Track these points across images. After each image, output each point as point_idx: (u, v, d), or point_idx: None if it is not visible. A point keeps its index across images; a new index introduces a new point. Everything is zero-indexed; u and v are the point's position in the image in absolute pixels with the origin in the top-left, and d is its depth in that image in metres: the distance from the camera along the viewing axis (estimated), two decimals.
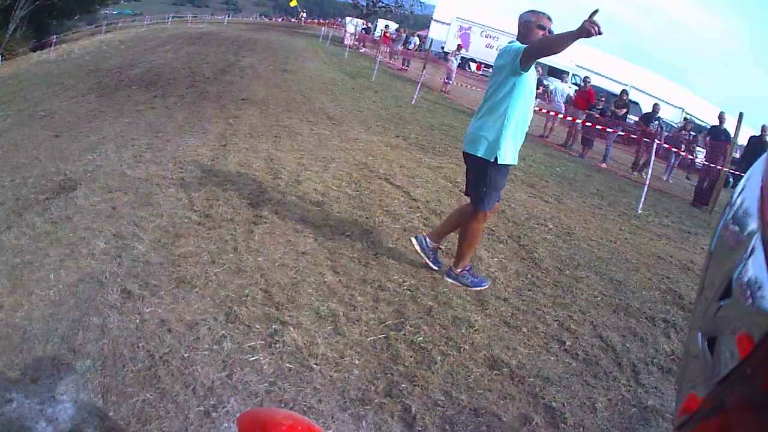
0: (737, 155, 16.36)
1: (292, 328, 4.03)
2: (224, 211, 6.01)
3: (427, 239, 5.40)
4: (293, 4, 63.68)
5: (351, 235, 5.89)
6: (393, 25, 50.72)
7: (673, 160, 18.02)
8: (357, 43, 41.18)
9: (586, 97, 18.21)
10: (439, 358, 3.99)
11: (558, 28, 4.72)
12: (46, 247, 4.98)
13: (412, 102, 18.33)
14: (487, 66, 45.96)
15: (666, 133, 18.25)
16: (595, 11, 3.96)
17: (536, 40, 4.51)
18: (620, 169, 16.46)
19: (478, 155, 4.70)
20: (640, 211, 10.24)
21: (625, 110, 17.90)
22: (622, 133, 17.00)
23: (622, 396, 3.96)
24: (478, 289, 5.15)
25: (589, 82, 19.02)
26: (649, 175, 12.17)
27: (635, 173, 16.38)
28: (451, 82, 25.70)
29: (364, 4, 64.52)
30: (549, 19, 4.66)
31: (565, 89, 19.79)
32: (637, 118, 23.26)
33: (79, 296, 4.17)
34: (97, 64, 21.36)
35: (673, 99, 43.96)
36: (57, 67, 23.35)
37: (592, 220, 8.52)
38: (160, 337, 3.77)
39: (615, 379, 4.15)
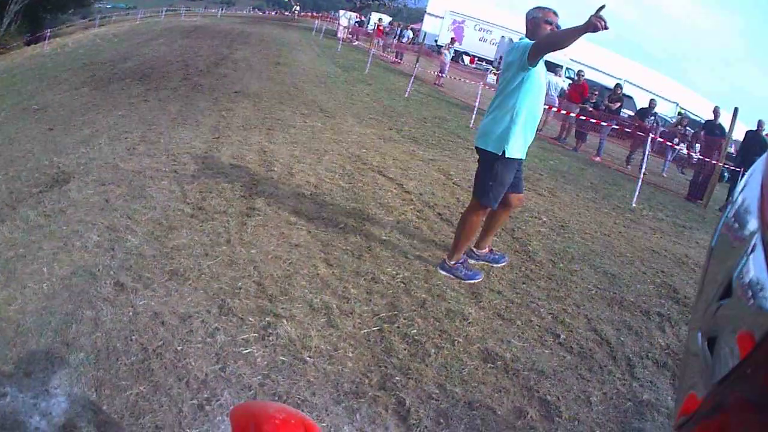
0: (732, 150, 16.39)
1: (285, 321, 4.03)
2: (217, 203, 6.00)
3: (474, 250, 5.54)
4: None
5: (344, 227, 5.88)
6: (386, 19, 50.60)
7: (669, 155, 18.05)
8: (350, 36, 41.10)
9: (580, 90, 18.20)
10: (433, 350, 3.99)
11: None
12: (39, 240, 4.96)
13: (405, 95, 18.30)
14: (481, 59, 46.01)
15: (662, 129, 18.25)
16: (602, 7, 4.00)
17: (543, 36, 4.56)
18: (614, 163, 16.47)
19: (488, 149, 4.79)
20: (634, 205, 10.24)
21: (618, 104, 17.90)
22: (617, 127, 17.02)
23: (617, 390, 3.97)
24: (472, 282, 5.16)
25: (582, 75, 19.01)
26: (643, 169, 12.18)
27: (629, 167, 16.42)
28: (444, 75, 25.69)
29: None
30: (555, 14, 4.72)
31: (558, 83, 19.72)
32: (631, 113, 23.28)
33: (73, 289, 4.16)
34: (91, 58, 21.30)
35: (667, 93, 44.09)
36: (51, 61, 23.28)
37: (586, 214, 8.52)
38: (153, 330, 3.76)
39: (610, 372, 4.15)
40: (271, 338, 3.83)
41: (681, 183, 16.50)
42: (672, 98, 44.71)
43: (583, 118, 16.43)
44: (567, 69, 32.73)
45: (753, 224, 0.71)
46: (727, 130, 13.88)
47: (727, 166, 13.77)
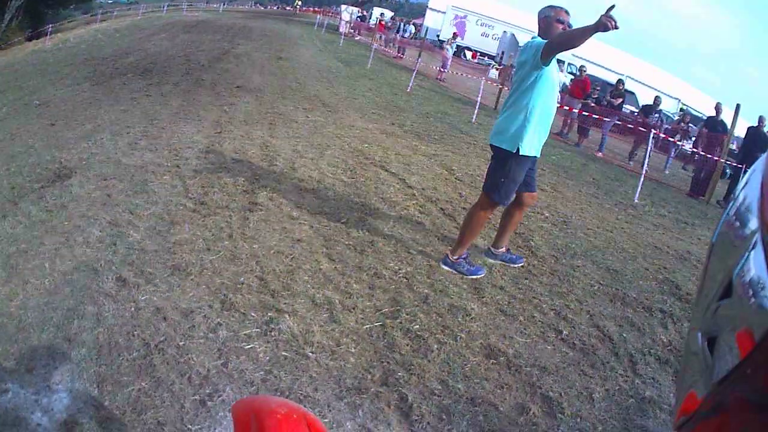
0: (734, 147, 16.35)
1: (287, 316, 4.02)
2: (219, 198, 5.99)
3: (492, 249, 5.60)
4: None
5: (346, 222, 5.88)
6: (388, 13, 50.59)
7: (672, 153, 18.03)
8: (352, 31, 41.06)
9: (582, 86, 18.18)
10: (435, 346, 3.99)
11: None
12: (41, 236, 4.96)
13: (408, 90, 18.28)
14: (483, 54, 45.97)
15: (666, 126, 18.22)
16: (612, 6, 4.04)
17: (556, 35, 4.61)
18: (616, 159, 16.46)
19: (502, 147, 4.84)
20: (636, 201, 10.23)
21: (620, 100, 17.89)
22: (619, 123, 17.01)
23: (619, 386, 3.96)
24: (474, 277, 5.16)
25: (584, 71, 18.99)
26: (645, 165, 12.16)
27: (631, 162, 16.40)
28: (446, 70, 25.67)
29: None
30: (567, 12, 4.78)
31: (561, 78, 19.72)
32: (633, 108, 23.22)
33: (75, 285, 4.16)
34: (93, 53, 21.26)
35: (669, 89, 44.03)
36: (52, 56, 23.25)
37: (588, 209, 8.51)
38: (155, 326, 3.76)
39: (612, 369, 4.14)
40: (273, 333, 3.82)
41: (683, 179, 16.48)
42: (674, 94, 44.64)
43: (586, 113, 16.40)
44: (569, 64, 32.75)
45: (753, 223, 0.71)
46: (729, 127, 13.86)
47: (729, 162, 13.74)
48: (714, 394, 0.66)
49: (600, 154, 16.00)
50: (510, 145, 4.79)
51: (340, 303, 4.33)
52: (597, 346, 4.41)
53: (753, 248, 0.67)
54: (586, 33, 4.24)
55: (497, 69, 33.04)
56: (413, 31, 43.68)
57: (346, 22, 41.88)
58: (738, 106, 13.08)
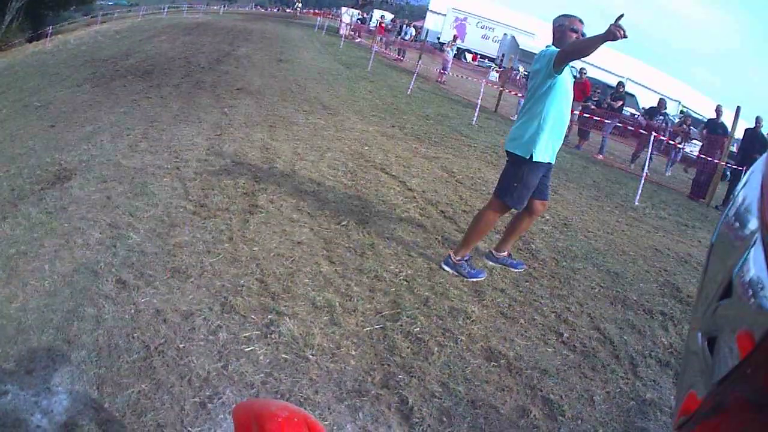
0: (734, 149, 16.35)
1: (287, 319, 4.02)
2: (219, 200, 5.99)
3: (494, 253, 5.62)
4: None
5: (347, 224, 5.87)
6: (389, 16, 50.61)
7: (674, 155, 18.01)
8: (353, 33, 41.08)
9: (582, 88, 18.17)
10: (436, 349, 3.98)
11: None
12: (41, 238, 4.95)
13: (408, 92, 18.29)
14: (483, 57, 46.04)
15: (669, 130, 18.19)
16: (621, 15, 4.16)
17: (568, 44, 4.73)
18: (617, 161, 16.48)
19: (516, 153, 4.91)
20: (637, 203, 10.25)
21: (621, 102, 17.90)
22: (620, 125, 17.01)
23: (620, 389, 3.96)
24: (475, 280, 5.16)
25: (585, 73, 19.00)
26: (646, 168, 12.16)
27: (632, 165, 16.41)
28: (446, 72, 25.69)
29: None
30: (581, 22, 4.90)
31: None
32: (633, 111, 23.21)
33: (74, 287, 4.15)
34: (93, 55, 21.28)
35: (670, 92, 44.05)
36: (53, 58, 23.27)
37: (588, 212, 8.51)
38: (155, 328, 3.75)
39: (613, 371, 4.14)
40: (273, 336, 3.82)
41: (683, 181, 16.48)
42: (674, 96, 44.65)
43: (586, 116, 16.41)
44: (570, 67, 32.82)
45: (753, 223, 0.71)
46: (729, 129, 13.86)
47: (729, 164, 13.74)
48: (714, 394, 0.67)
49: (600, 157, 16.02)
50: (524, 151, 4.86)
51: (340, 305, 4.33)
52: (598, 348, 4.41)
53: (753, 248, 0.67)
54: (596, 42, 4.35)
55: (497, 71, 33.11)
56: (414, 33, 43.76)
57: (347, 24, 41.90)
58: (738, 109, 13.10)
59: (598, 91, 18.78)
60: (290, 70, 18.01)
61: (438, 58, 30.54)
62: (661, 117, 17.83)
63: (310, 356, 3.67)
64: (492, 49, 46.45)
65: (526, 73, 24.47)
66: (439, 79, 25.35)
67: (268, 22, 41.82)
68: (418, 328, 4.18)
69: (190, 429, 2.99)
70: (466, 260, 5.25)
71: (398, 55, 32.54)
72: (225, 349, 3.63)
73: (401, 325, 4.19)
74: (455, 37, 31.30)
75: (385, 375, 3.64)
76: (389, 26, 39.71)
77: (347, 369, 3.63)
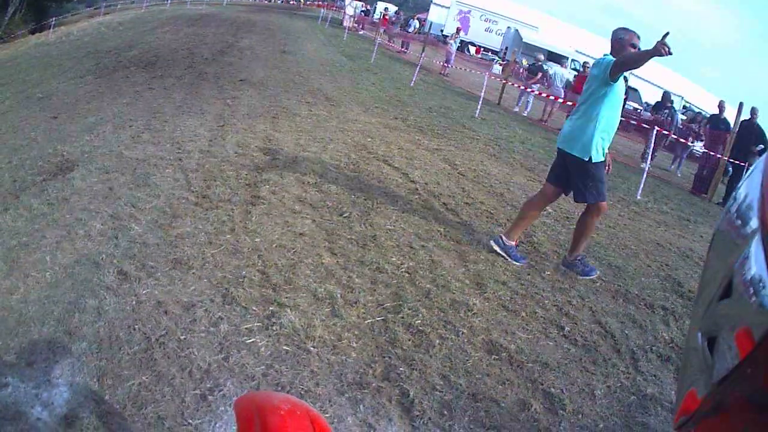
0: None
1: (289, 310, 4.02)
2: (221, 191, 5.99)
3: (503, 238, 5.73)
4: None
5: (349, 216, 5.87)
6: (392, 8, 50.50)
7: (680, 152, 17.78)
8: (356, 25, 40.97)
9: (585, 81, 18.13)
10: (437, 341, 3.98)
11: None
12: (42, 229, 4.96)
13: (411, 84, 18.25)
14: (486, 50, 45.95)
15: (678, 126, 18.02)
16: (667, 33, 4.58)
17: (621, 55, 5.11)
18: (619, 155, 16.45)
19: (573, 153, 5.29)
20: (639, 198, 10.23)
21: (624, 97, 17.79)
22: (623, 119, 16.98)
23: (621, 383, 3.95)
24: (589, 277, 5.51)
25: (588, 67, 18.94)
26: (648, 162, 12.15)
27: (644, 164, 16.35)
28: (450, 65, 25.63)
29: None
30: (638, 37, 5.27)
31: (564, 74, 19.63)
32: (636, 105, 23.14)
33: (76, 278, 4.15)
34: (96, 46, 21.29)
35: (672, 87, 43.94)
36: (56, 49, 23.29)
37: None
38: (156, 320, 3.75)
39: (614, 365, 4.14)
40: (274, 328, 3.81)
41: (686, 176, 16.43)
42: (677, 91, 44.55)
43: None
44: (573, 60, 32.71)
45: (754, 222, 0.70)
46: (732, 125, 13.82)
47: (731, 160, 13.71)
48: (714, 393, 0.66)
49: None
50: (582, 152, 5.22)
51: (342, 297, 4.32)
52: (599, 342, 4.40)
53: (753, 246, 0.66)
54: (645, 57, 4.79)
55: (501, 64, 33.00)
56: (417, 25, 43.64)
57: (350, 16, 41.81)
58: (741, 105, 13.06)
59: None
60: (293, 61, 17.97)
61: (441, 50, 30.48)
62: (666, 111, 17.73)
63: (311, 348, 3.67)
64: (495, 42, 46.28)
65: (528, 66, 24.37)
66: (443, 72, 25.28)
67: (272, 14, 41.74)
68: (419, 321, 4.18)
69: (190, 421, 2.99)
70: (579, 260, 5.55)
71: (402, 47, 32.46)
72: (226, 340, 3.63)
73: (402, 318, 4.19)
74: (459, 30, 31.13)
75: (386, 367, 3.64)
76: (393, 18, 39.60)
77: (348, 361, 3.63)
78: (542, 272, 5.48)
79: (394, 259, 5.12)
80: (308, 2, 63.84)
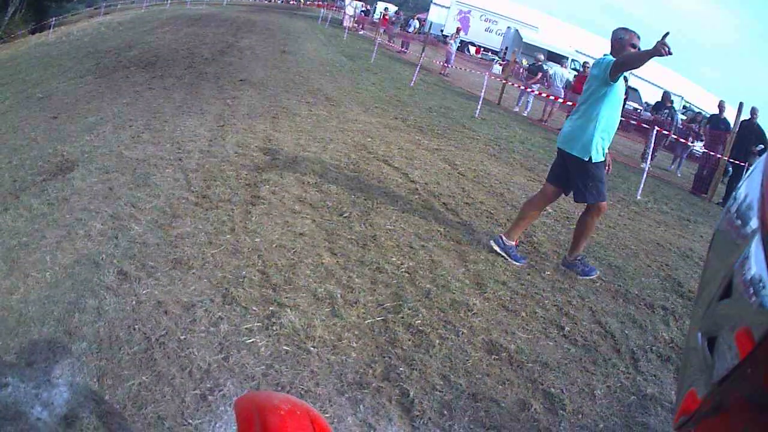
0: None
1: (289, 310, 4.02)
2: (221, 191, 5.99)
3: (503, 238, 5.73)
4: None
5: (349, 216, 5.87)
6: (392, 8, 50.49)
7: (680, 152, 17.75)
8: (356, 25, 40.96)
9: (584, 81, 18.10)
10: (437, 341, 3.98)
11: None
12: (42, 229, 4.96)
13: (411, 84, 18.24)
14: (486, 50, 45.96)
15: (679, 126, 18.00)
16: (666, 33, 4.57)
17: (621, 55, 5.11)
18: (618, 155, 16.45)
19: (573, 153, 5.29)
20: (639, 198, 10.23)
21: (624, 97, 17.77)
22: (623, 119, 16.99)
23: (621, 383, 3.95)
24: (588, 278, 5.50)
25: (588, 67, 18.93)
26: (648, 162, 12.15)
27: (644, 164, 16.35)
28: (450, 65, 25.63)
29: None
30: (638, 38, 5.26)
31: (564, 74, 19.64)
32: (636, 105, 23.13)
33: (76, 278, 4.16)
34: (96, 46, 21.28)
35: (672, 86, 43.94)
36: (56, 49, 23.27)
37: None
38: (156, 319, 3.75)
39: (614, 366, 4.14)
40: (274, 328, 3.82)
41: (686, 176, 16.43)
42: (677, 91, 44.53)
43: None
44: (573, 60, 32.70)
45: (754, 222, 0.71)
46: (732, 125, 13.81)
47: (731, 160, 13.71)
48: (714, 393, 0.66)
49: None
50: (582, 152, 5.22)
51: (341, 297, 4.32)
52: (599, 342, 4.40)
53: (753, 247, 0.66)
54: (645, 57, 4.78)
55: (501, 64, 33.02)
56: (417, 25, 43.64)
57: (350, 16, 41.80)
58: (741, 104, 13.06)
59: None
60: (293, 61, 17.96)
61: (441, 50, 30.49)
62: (666, 110, 17.72)
63: (311, 348, 3.67)
64: (495, 42, 46.29)
65: (528, 66, 24.38)
66: (443, 72, 25.28)
67: (272, 14, 41.71)
68: (419, 321, 4.18)
69: (190, 421, 2.99)
70: (579, 260, 5.57)
71: (402, 47, 32.45)
72: (226, 340, 3.63)
73: (402, 318, 4.19)
74: (459, 30, 31.12)
75: (386, 367, 3.64)
76: (393, 18, 39.57)
77: (348, 361, 3.63)
78: (542, 272, 5.48)
79: (394, 259, 5.12)
80: (308, 2, 63.77)
